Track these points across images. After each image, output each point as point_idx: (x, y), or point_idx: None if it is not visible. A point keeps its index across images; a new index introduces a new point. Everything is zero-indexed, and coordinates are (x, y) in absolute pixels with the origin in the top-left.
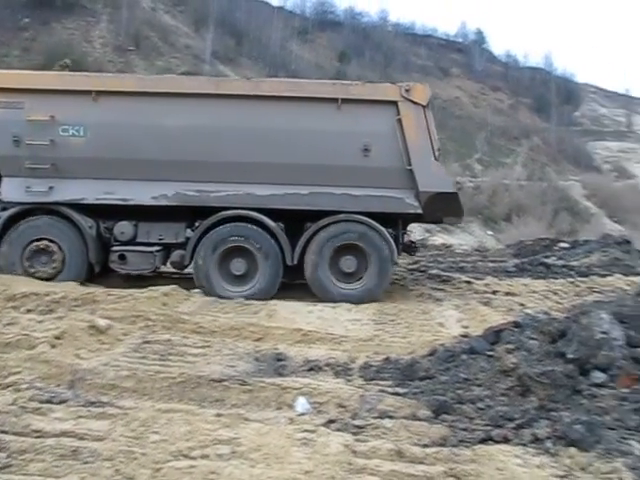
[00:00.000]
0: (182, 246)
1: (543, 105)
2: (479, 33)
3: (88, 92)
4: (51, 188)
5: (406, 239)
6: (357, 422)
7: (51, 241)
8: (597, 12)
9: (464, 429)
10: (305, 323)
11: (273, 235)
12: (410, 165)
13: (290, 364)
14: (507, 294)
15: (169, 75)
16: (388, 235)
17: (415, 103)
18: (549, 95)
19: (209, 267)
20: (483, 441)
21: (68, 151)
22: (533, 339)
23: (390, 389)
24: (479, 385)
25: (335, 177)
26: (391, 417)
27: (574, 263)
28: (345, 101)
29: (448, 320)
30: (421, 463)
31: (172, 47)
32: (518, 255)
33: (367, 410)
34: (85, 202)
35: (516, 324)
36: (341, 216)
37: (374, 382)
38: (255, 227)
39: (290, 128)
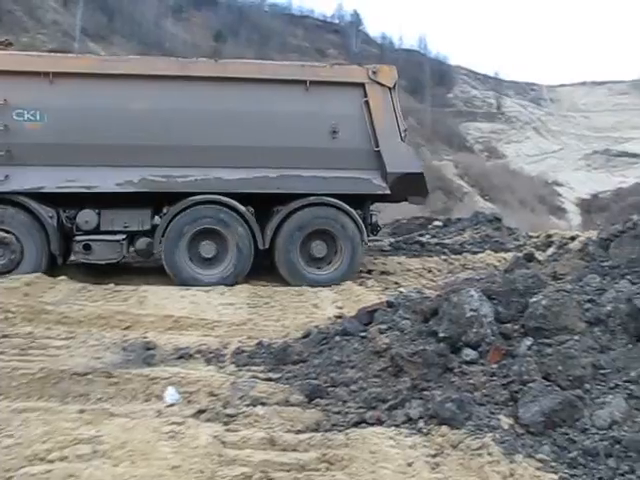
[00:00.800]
0: (148, 233)
1: (417, 87)
2: (355, 15)
3: (44, 74)
4: (7, 177)
5: (374, 219)
6: (228, 411)
7: (8, 232)
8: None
9: (337, 413)
10: (177, 309)
11: (243, 219)
12: (378, 146)
13: (159, 353)
14: (382, 273)
15: (134, 56)
16: (357, 217)
17: (382, 85)
18: (423, 77)
19: (179, 252)
20: (357, 424)
21: (24, 137)
22: (406, 319)
23: (263, 375)
24: (352, 367)
25: (304, 159)
26: (264, 404)
27: (447, 241)
28: (313, 83)
29: (323, 301)
30: (294, 450)
31: (38, 23)
32: (394, 234)
33: (239, 398)
34: (45, 191)
35: (389, 304)
36: (311, 199)
37: (247, 368)
38: (225, 210)
39: (258, 110)
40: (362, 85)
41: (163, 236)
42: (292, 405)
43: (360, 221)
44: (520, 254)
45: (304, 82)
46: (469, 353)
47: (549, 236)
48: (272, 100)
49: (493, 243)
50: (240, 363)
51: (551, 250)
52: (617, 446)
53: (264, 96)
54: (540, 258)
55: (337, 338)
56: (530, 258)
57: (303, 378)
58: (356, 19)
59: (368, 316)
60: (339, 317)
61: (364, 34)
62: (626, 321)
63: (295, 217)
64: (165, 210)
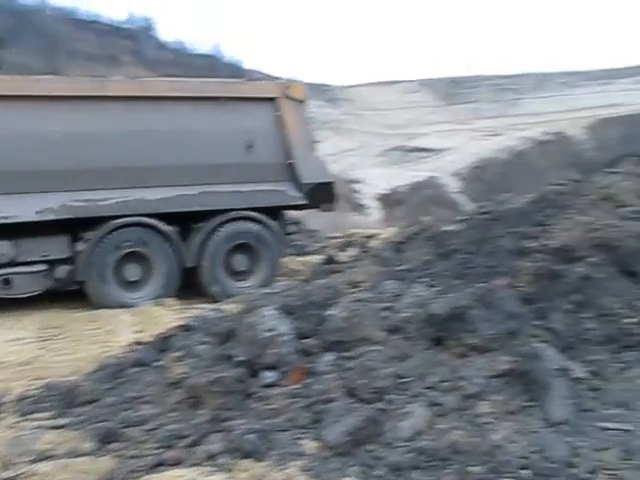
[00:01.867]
0: (68, 261)
1: None
2: (147, 20)
3: None
4: None
5: (288, 229)
6: (5, 474)
7: None
8: (257, 4)
9: (133, 457)
10: None
11: (168, 239)
12: (291, 159)
13: None
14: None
15: (47, 76)
16: (277, 229)
17: (294, 99)
18: None
19: (104, 278)
20: (155, 467)
21: None
22: (203, 343)
23: (50, 422)
24: (148, 402)
25: (222, 175)
26: (50, 458)
27: None
28: (228, 99)
29: (119, 326)
30: None
31: None
32: None
33: (20, 455)
34: None
35: (186, 327)
36: (232, 214)
37: (31, 417)
38: (149, 231)
39: (176, 129)
40: (275, 100)
41: (86, 262)
42: (82, 455)
43: (279, 232)
44: (321, 262)
45: (220, 98)
46: (269, 375)
47: (349, 236)
48: (190, 118)
49: (294, 246)
50: (24, 411)
51: (350, 252)
52: (422, 457)
53: (181, 114)
54: (342, 259)
55: (132, 369)
56: (330, 261)
57: (95, 421)
58: (148, 24)
59: (163, 342)
60: (138, 343)
61: (157, 39)
62: (423, 326)
63: (218, 233)
64: (88, 235)
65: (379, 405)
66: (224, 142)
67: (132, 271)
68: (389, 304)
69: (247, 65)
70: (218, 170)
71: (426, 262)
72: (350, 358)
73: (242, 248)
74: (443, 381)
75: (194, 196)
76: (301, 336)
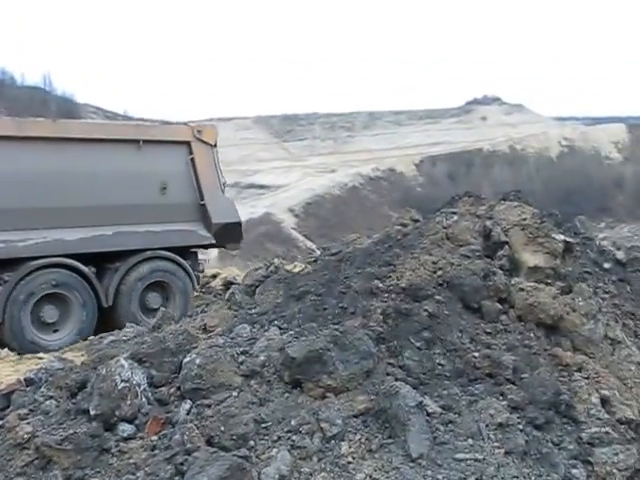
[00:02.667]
0: None
1: None
2: None
3: None
4: None
5: (200, 267)
6: None
7: None
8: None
9: None
10: None
11: (86, 279)
12: (203, 200)
13: None
14: None
15: None
16: (189, 267)
17: (205, 143)
18: (48, 114)
19: (23, 320)
20: None
21: None
22: (50, 397)
23: None
24: None
25: (137, 216)
26: None
27: None
28: (144, 142)
29: None
30: None
31: None
32: None
33: None
34: None
35: (28, 381)
36: (147, 253)
37: None
38: (67, 273)
39: (93, 170)
40: (188, 143)
41: (5, 304)
42: None
43: (190, 270)
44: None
45: (136, 141)
46: (125, 428)
47: None
48: (106, 159)
49: None
50: None
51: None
52: None
53: (99, 155)
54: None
55: None
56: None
57: None
58: None
59: (3, 399)
60: None
61: None
62: (280, 369)
63: (134, 272)
64: (6, 277)
65: (242, 452)
66: (140, 183)
67: (50, 312)
68: (245, 348)
69: (80, 99)
70: (133, 211)
71: (278, 305)
72: (209, 406)
73: (156, 286)
74: (303, 424)
75: (111, 236)
76: (156, 385)
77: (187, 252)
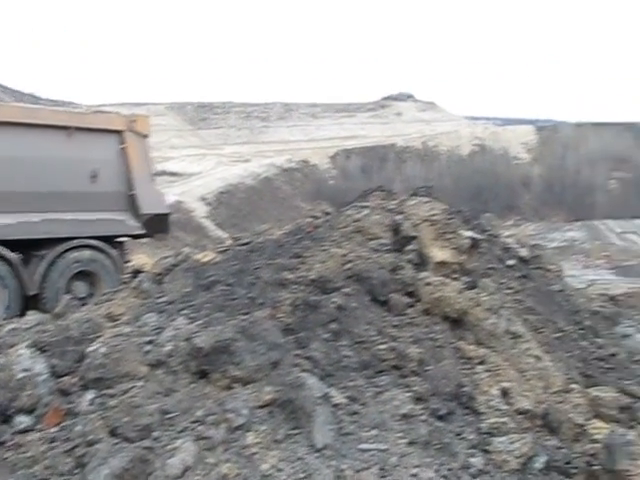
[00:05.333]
0: None
1: None
2: None
3: None
4: None
5: (126, 257)
6: None
7: None
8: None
9: None
10: None
11: (12, 265)
12: (133, 190)
13: None
14: None
15: None
16: (116, 257)
17: (138, 133)
18: None
19: None
20: None
21: None
22: None
23: None
24: None
25: (66, 203)
26: None
27: None
28: (75, 129)
29: None
30: None
31: None
32: None
33: None
34: None
35: None
36: (75, 242)
37: None
38: None
39: (22, 155)
40: (121, 132)
41: None
42: None
43: (119, 260)
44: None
45: (67, 128)
46: (23, 420)
47: None
48: (36, 145)
49: None
50: None
51: None
52: None
53: (28, 141)
54: None
55: None
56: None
57: None
58: None
59: None
60: None
61: None
62: (187, 360)
63: (61, 260)
64: None
65: (146, 443)
66: (69, 170)
67: None
68: (151, 338)
69: None
70: (62, 198)
71: (186, 294)
72: (112, 396)
73: (83, 275)
74: (209, 414)
75: (38, 223)
76: (58, 375)
77: (115, 241)
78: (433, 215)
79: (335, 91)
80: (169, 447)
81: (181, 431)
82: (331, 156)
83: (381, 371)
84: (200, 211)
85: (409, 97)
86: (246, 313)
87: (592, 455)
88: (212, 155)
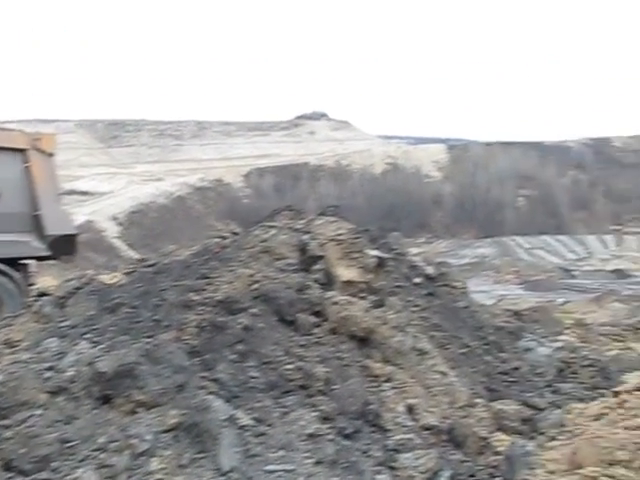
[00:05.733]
0: None
1: None
2: None
3: None
4: None
5: (31, 280)
6: None
7: None
8: None
9: None
10: None
11: None
12: (37, 210)
13: None
14: None
15: None
16: (20, 280)
17: (43, 152)
18: None
19: None
20: None
21: None
22: None
23: None
24: None
25: None
26: None
27: None
28: None
29: None
30: None
31: None
32: None
33: None
34: None
35: None
36: None
37: None
38: None
39: None
40: (24, 151)
41: None
42: None
43: (22, 283)
44: None
45: None
46: None
47: None
48: None
49: None
50: None
51: None
52: None
53: None
54: None
55: None
56: None
57: None
58: None
59: None
60: None
61: None
62: (89, 385)
63: None
64: None
65: (43, 475)
66: None
67: None
68: (52, 364)
69: None
70: None
71: (90, 317)
72: (8, 427)
73: None
74: (112, 441)
75: None
76: None
77: (18, 264)
78: (339, 234)
79: (249, 109)
80: (69, 477)
81: (82, 460)
82: (244, 175)
83: (288, 391)
84: (111, 231)
85: (323, 116)
86: (151, 336)
87: (495, 467)
88: (123, 174)
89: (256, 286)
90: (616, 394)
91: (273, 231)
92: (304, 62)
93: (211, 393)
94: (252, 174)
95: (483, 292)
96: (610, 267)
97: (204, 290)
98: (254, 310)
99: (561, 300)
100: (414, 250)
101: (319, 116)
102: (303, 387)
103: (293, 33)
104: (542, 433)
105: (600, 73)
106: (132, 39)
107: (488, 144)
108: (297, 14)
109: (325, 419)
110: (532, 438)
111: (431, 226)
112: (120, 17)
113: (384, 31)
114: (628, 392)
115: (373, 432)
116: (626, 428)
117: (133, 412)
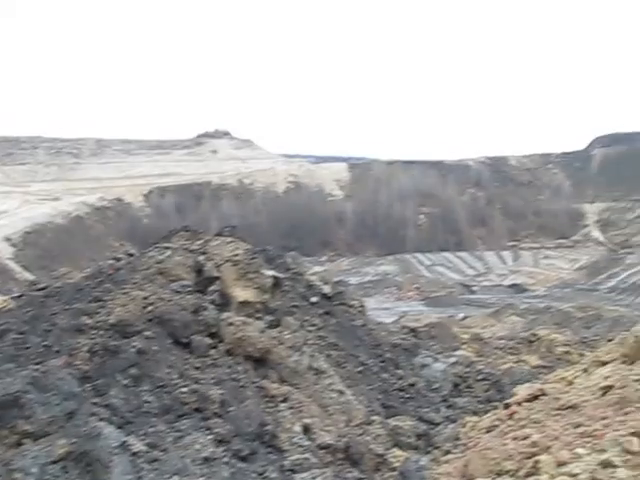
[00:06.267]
0: None
1: None
2: None
3: None
4: None
5: None
6: None
7: None
8: None
9: None
10: None
11: None
12: None
13: None
14: None
15: None
16: None
17: None
18: None
19: None
20: None
21: None
22: None
23: None
24: None
25: None
26: None
27: None
28: None
29: None
30: None
31: None
32: None
33: None
34: None
35: None
36: None
37: None
38: None
39: None
40: None
41: None
42: None
43: None
44: None
45: None
46: None
47: None
48: None
49: None
50: None
51: None
52: None
53: None
54: None
55: None
56: None
57: None
58: None
59: None
60: None
61: None
62: None
63: None
64: None
65: None
66: None
67: None
68: None
69: None
70: None
71: None
72: None
73: None
74: None
75: None
76: None
77: None
78: (236, 255)
79: (149, 127)
80: None
81: None
82: (145, 194)
83: (183, 415)
84: (5, 252)
85: (225, 134)
86: (40, 362)
87: None
88: (18, 193)
89: (150, 308)
90: (506, 406)
91: (168, 252)
92: (206, 80)
93: (103, 420)
94: (153, 193)
95: (386, 309)
96: (508, 282)
97: (97, 313)
98: (148, 333)
99: (461, 315)
100: (317, 268)
101: (222, 135)
102: (198, 410)
103: (196, 51)
104: (437, 447)
105: (497, 94)
106: (24, 52)
107: (389, 162)
108: (200, 30)
109: (220, 442)
110: (428, 452)
111: (334, 244)
112: (13, 29)
113: (285, 50)
114: (518, 404)
115: (269, 453)
116: (514, 439)
117: (18, 444)
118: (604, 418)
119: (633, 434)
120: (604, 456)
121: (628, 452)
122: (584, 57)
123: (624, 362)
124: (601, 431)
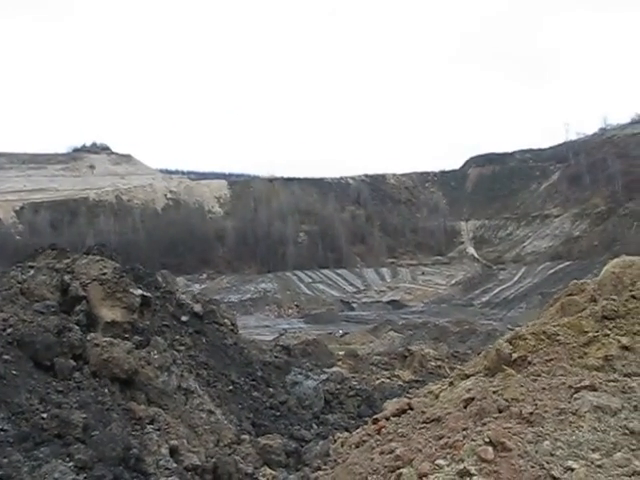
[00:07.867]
0: None
1: None
2: None
3: None
4: None
5: None
6: None
7: None
8: None
9: None
10: None
11: None
12: None
13: None
14: None
15: None
16: None
17: None
18: None
19: None
20: None
21: None
22: None
23: None
24: None
25: None
26: None
27: None
28: None
29: None
30: None
31: None
32: None
33: None
34: None
35: None
36: None
37: None
38: None
39: None
40: None
41: None
42: None
43: None
44: None
45: None
46: None
47: None
48: None
49: None
50: None
51: None
52: None
53: None
54: None
55: None
56: None
57: None
58: None
59: None
60: None
61: None
62: None
63: None
64: None
65: None
66: None
67: None
68: None
69: None
70: None
71: None
72: None
73: None
74: None
75: None
76: None
77: None
78: (103, 274)
79: (21, 140)
80: None
81: None
82: (17, 210)
83: (42, 442)
84: None
85: (104, 149)
86: None
87: None
88: None
89: (10, 330)
90: (375, 421)
91: (32, 272)
92: (83, 91)
93: None
94: (25, 209)
95: (266, 327)
96: (386, 298)
97: None
98: (7, 357)
99: (340, 332)
100: (196, 286)
101: (99, 149)
102: (59, 436)
103: (71, 61)
104: (307, 464)
105: (377, 112)
106: None
107: (270, 180)
108: (75, 40)
109: (82, 468)
110: (298, 470)
111: (214, 262)
112: None
113: (166, 64)
114: (386, 418)
115: (135, 477)
116: (381, 453)
117: None
118: (465, 429)
119: (488, 443)
120: (461, 466)
121: (484, 461)
122: (463, 79)
123: (486, 374)
124: (461, 442)
